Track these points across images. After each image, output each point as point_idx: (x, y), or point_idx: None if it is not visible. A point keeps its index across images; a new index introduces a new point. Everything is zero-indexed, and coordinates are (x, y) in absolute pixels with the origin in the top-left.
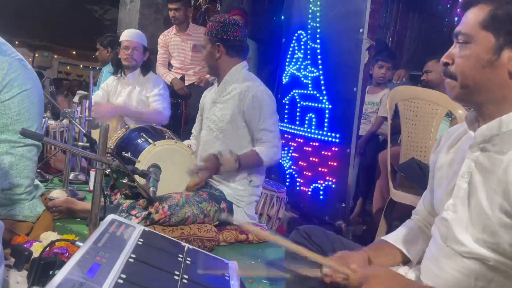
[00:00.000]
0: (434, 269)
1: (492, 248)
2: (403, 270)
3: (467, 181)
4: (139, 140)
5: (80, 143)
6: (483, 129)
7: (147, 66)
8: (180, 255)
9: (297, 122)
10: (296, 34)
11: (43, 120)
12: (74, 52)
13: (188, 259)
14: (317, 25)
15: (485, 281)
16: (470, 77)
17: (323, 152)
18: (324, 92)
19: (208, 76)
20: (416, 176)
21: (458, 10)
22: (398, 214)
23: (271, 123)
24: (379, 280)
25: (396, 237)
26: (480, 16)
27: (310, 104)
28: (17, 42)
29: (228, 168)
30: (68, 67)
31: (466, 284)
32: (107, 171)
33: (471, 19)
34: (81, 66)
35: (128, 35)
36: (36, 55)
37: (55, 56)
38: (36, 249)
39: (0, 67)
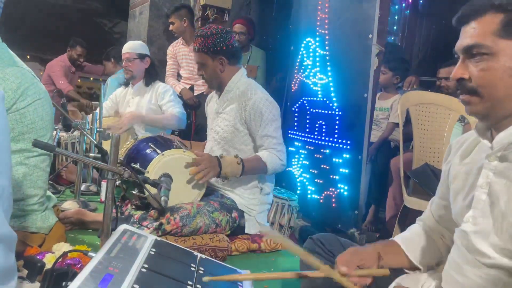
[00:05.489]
0: (457, 276)
1: None
2: (423, 278)
3: (486, 192)
4: (147, 151)
5: (91, 154)
6: (501, 137)
7: (151, 74)
8: (192, 265)
9: (307, 130)
10: (304, 42)
11: (55, 132)
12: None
13: (201, 268)
14: (326, 32)
15: None
16: (500, 90)
17: (334, 159)
18: (334, 98)
19: None
20: (430, 181)
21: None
22: (412, 221)
23: (272, 129)
24: None
25: (406, 242)
26: (492, 25)
27: (320, 111)
28: (28, 57)
29: (229, 166)
30: (79, 80)
31: None
32: (117, 182)
33: (480, 30)
34: (91, 78)
35: (123, 48)
36: None
37: None
38: (49, 261)
39: (14, 76)
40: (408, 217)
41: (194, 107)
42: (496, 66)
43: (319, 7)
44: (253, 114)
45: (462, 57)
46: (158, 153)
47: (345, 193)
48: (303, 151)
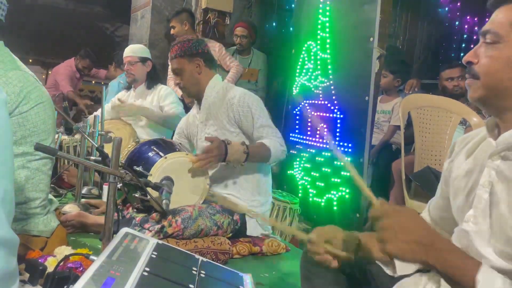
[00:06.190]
0: None
1: None
2: (423, 280)
3: (487, 191)
4: (150, 154)
5: (92, 157)
6: (505, 136)
7: (153, 77)
8: (194, 268)
9: (308, 133)
10: (305, 45)
11: (57, 135)
12: None
13: (203, 272)
14: (327, 35)
15: None
16: (497, 79)
17: (335, 162)
18: (335, 102)
19: None
20: (432, 184)
21: (489, 5)
22: None
23: (266, 119)
24: (400, 217)
25: None
26: None
27: (321, 114)
28: (30, 60)
29: (235, 153)
30: (81, 84)
31: None
32: (119, 185)
33: (501, 18)
34: (93, 82)
35: (125, 51)
36: (49, 73)
37: None
38: (51, 264)
39: (17, 80)
40: None
41: None
42: (500, 55)
43: (320, 10)
44: (241, 110)
45: (481, 41)
46: (161, 156)
47: (347, 196)
48: (304, 154)
